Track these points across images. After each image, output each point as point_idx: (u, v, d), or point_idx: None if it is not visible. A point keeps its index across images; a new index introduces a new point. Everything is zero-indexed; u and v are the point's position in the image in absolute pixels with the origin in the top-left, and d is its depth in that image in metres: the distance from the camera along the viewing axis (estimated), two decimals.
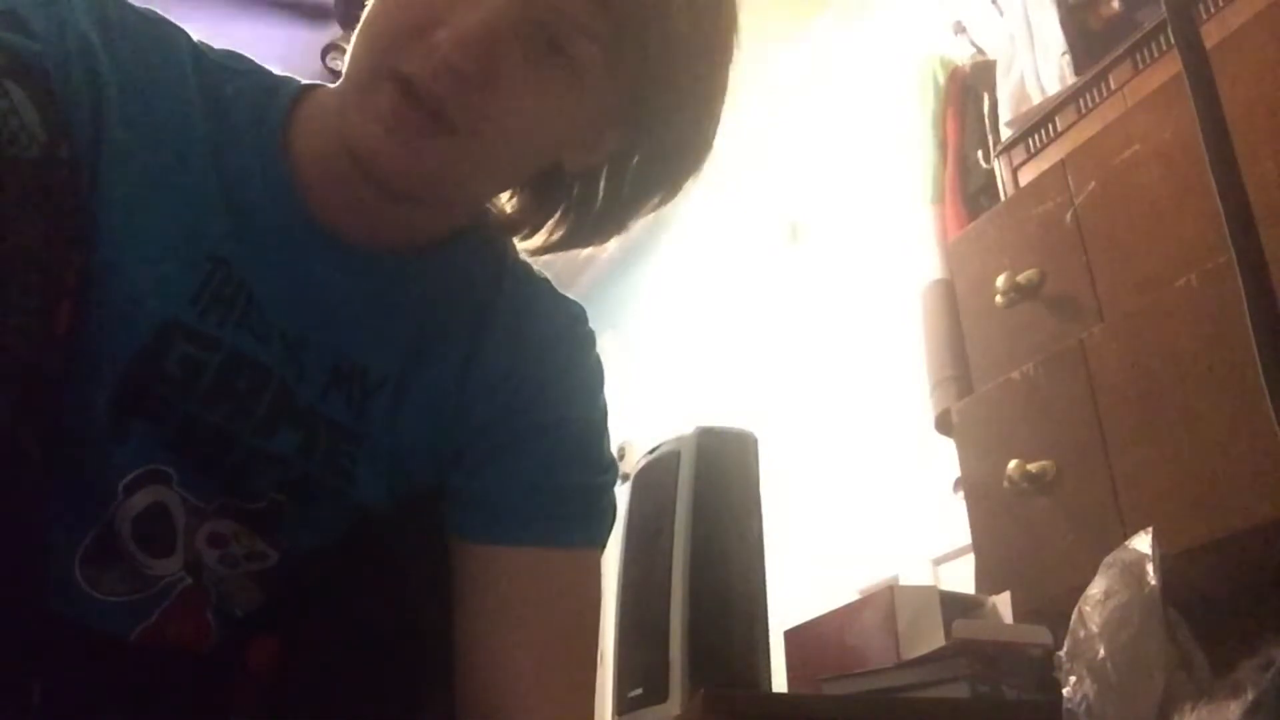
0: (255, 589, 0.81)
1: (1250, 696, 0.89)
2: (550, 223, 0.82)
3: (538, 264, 0.87)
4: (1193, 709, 0.93)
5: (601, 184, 0.80)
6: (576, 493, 0.81)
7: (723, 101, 0.77)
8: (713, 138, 0.79)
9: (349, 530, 0.81)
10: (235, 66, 0.78)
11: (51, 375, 0.68)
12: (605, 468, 0.83)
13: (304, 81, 0.79)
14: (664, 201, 0.81)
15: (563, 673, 0.77)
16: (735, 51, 0.76)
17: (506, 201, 0.83)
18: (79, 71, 0.68)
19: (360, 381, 0.78)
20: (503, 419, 0.80)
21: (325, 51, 3.55)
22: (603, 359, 0.87)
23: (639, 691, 1.54)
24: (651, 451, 1.70)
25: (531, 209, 0.82)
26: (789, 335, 3.24)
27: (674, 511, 1.56)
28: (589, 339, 0.87)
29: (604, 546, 0.83)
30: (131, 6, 0.74)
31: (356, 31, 0.70)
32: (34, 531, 0.71)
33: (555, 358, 0.83)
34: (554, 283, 0.88)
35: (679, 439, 1.64)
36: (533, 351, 0.82)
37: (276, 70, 0.80)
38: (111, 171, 0.69)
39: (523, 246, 0.85)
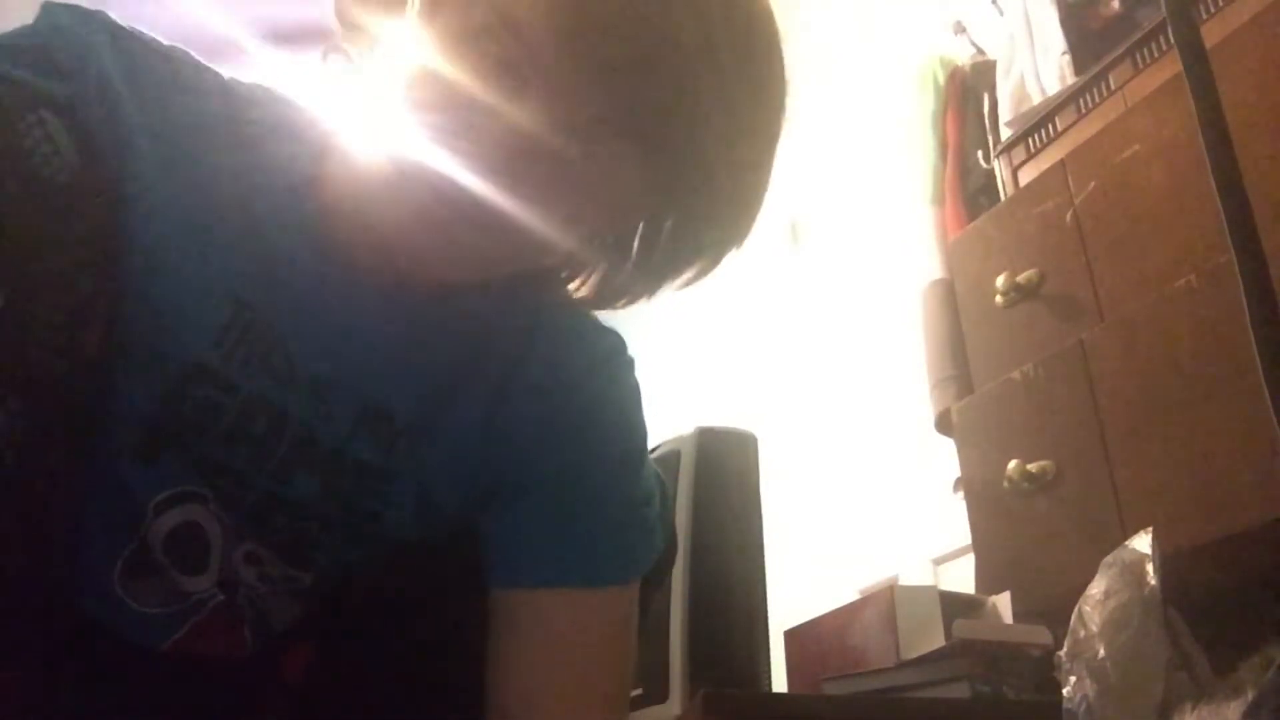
0: (294, 604, 0.81)
1: (1250, 696, 0.89)
2: (581, 279, 0.82)
3: None
4: (1193, 709, 0.93)
5: (635, 245, 0.78)
6: (611, 532, 0.79)
7: (768, 175, 0.75)
8: (755, 211, 0.77)
9: (389, 552, 0.80)
10: (264, 102, 0.77)
11: (79, 395, 0.68)
12: (643, 501, 0.82)
13: (334, 114, 0.78)
14: (702, 273, 0.80)
15: (598, 714, 0.76)
16: (780, 125, 0.75)
17: None
18: (103, 107, 0.69)
19: (387, 424, 0.76)
20: (533, 460, 0.78)
21: (325, 53, 3.54)
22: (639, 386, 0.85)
23: (639, 691, 1.54)
24: (651, 451, 1.69)
25: (565, 265, 0.81)
26: (789, 335, 3.24)
27: (674, 511, 1.56)
28: (625, 369, 0.84)
29: (647, 574, 0.81)
30: (154, 45, 0.74)
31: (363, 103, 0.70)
32: (61, 543, 0.71)
33: (588, 397, 0.81)
34: None
35: (679, 439, 1.64)
36: (565, 392, 0.80)
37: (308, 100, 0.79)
38: (136, 209, 0.69)
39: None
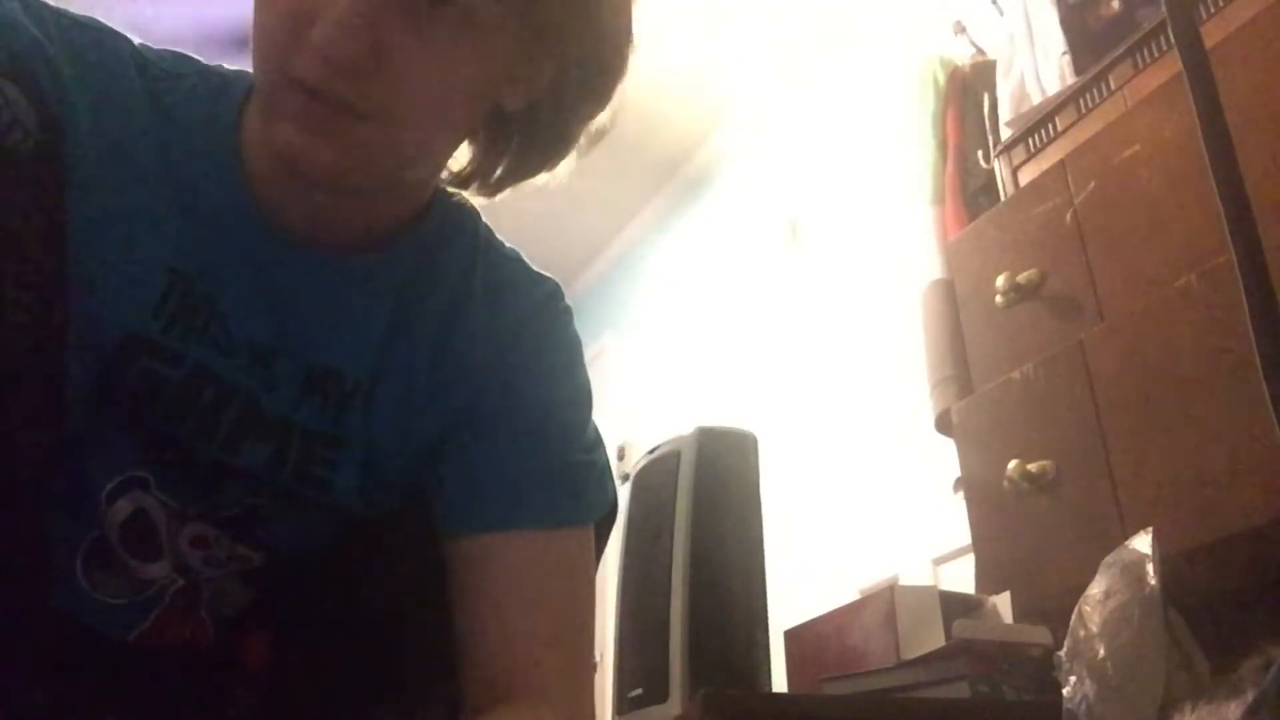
0: (245, 588, 0.81)
1: (1250, 696, 0.89)
2: (502, 161, 0.81)
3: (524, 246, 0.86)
4: (1193, 709, 0.93)
5: (544, 111, 0.77)
6: (562, 472, 0.79)
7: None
8: (630, 35, 0.76)
9: (338, 527, 0.81)
10: (180, 70, 0.76)
11: (46, 378, 0.67)
12: (591, 445, 0.82)
13: (252, 76, 0.76)
14: (597, 109, 0.79)
15: (565, 652, 0.76)
16: None
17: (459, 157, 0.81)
18: (48, 75, 0.67)
19: (336, 385, 0.76)
20: (480, 405, 0.79)
21: None
22: (581, 337, 0.86)
23: (639, 691, 1.55)
24: (651, 451, 1.70)
25: (483, 155, 0.80)
26: (789, 335, 3.24)
27: (674, 511, 1.57)
28: (565, 315, 0.85)
29: (597, 521, 0.82)
30: (69, 15, 0.72)
31: (253, 14, 0.68)
32: (33, 531, 0.71)
33: (531, 340, 0.82)
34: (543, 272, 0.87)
35: (679, 439, 1.64)
36: (508, 335, 0.81)
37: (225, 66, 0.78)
38: (74, 179, 0.68)
39: (479, 191, 0.83)
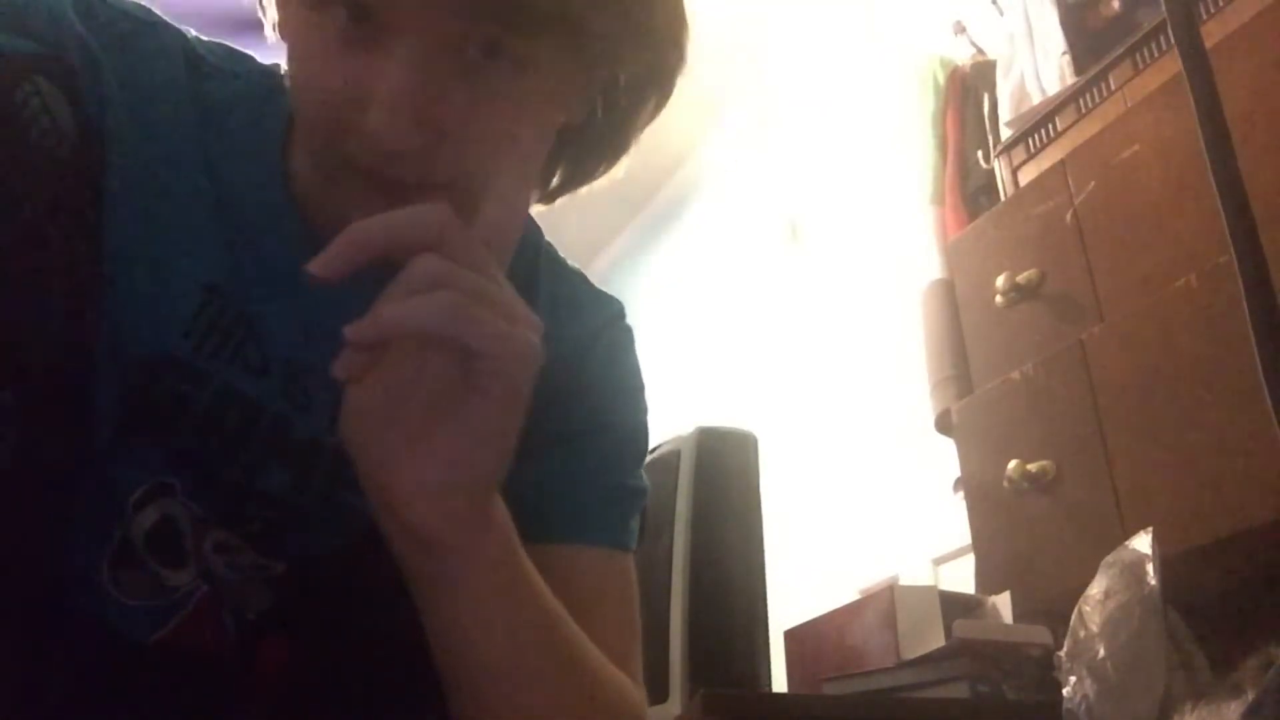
0: (267, 591, 0.80)
1: (1250, 696, 0.89)
2: (559, 169, 0.77)
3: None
4: (1193, 709, 0.93)
5: (601, 119, 0.73)
6: (622, 494, 0.78)
7: None
8: (685, 26, 0.71)
9: (361, 535, 0.80)
10: (232, 68, 0.72)
11: (73, 386, 0.66)
12: (641, 474, 0.81)
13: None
14: (659, 105, 0.75)
15: (623, 669, 0.74)
16: None
17: None
18: (86, 71, 0.65)
19: None
20: (545, 419, 0.74)
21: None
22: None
23: None
24: (651, 451, 1.69)
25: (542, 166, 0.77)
26: (789, 335, 3.24)
27: (674, 511, 1.57)
28: (630, 338, 0.83)
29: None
30: (118, 5, 0.69)
31: (290, 83, 0.65)
32: (57, 535, 0.70)
33: (598, 360, 0.80)
34: None
35: (679, 439, 1.64)
36: (573, 353, 0.78)
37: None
38: (111, 187, 0.65)
39: (536, 200, 0.79)
